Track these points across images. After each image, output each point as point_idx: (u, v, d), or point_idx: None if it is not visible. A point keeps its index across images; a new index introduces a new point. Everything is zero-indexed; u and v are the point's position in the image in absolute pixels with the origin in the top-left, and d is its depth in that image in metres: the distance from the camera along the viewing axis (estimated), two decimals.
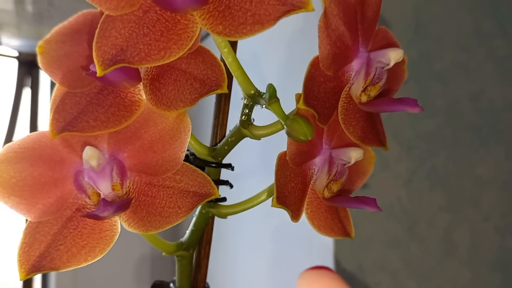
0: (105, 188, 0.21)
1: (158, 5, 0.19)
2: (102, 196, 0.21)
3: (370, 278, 0.47)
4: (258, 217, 0.58)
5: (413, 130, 0.54)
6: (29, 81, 0.55)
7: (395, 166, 0.52)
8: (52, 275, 0.64)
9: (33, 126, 0.57)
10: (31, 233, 0.21)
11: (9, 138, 0.52)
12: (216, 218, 0.27)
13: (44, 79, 0.57)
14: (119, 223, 0.22)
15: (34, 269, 0.21)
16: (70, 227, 0.21)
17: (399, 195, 0.51)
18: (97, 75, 0.19)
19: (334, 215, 0.26)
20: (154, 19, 0.19)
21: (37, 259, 0.21)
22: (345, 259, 0.46)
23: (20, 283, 0.52)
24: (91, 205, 0.21)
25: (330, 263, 0.46)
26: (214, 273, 0.64)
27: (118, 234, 0.22)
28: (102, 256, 0.21)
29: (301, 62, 0.22)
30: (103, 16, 0.19)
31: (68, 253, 0.21)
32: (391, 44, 0.25)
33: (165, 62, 0.19)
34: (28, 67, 0.54)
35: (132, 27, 0.19)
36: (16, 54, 0.54)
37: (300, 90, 0.21)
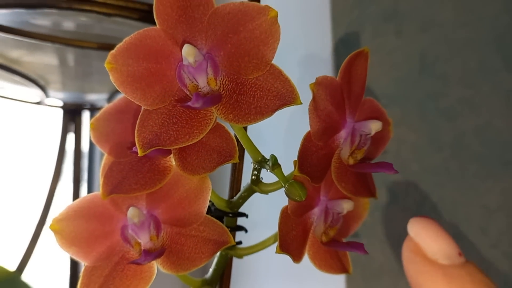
0: (144, 239, 0.27)
1: (185, 109, 0.24)
2: (142, 245, 0.27)
3: None
4: (272, 257, 0.63)
5: (420, 165, 0.58)
6: (72, 127, 0.62)
7: (404, 199, 0.56)
8: None
9: (77, 164, 0.64)
10: (88, 276, 0.27)
11: (56, 176, 0.59)
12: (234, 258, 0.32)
13: (86, 125, 0.64)
14: (156, 266, 0.28)
15: None
16: (117, 270, 0.27)
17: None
18: (138, 155, 0.25)
19: (333, 255, 0.31)
20: (181, 111, 0.25)
21: None
22: (357, 287, 0.51)
23: None
24: (134, 252, 0.27)
25: None
26: None
27: (155, 274, 0.28)
28: None
29: (299, 132, 0.27)
30: (142, 110, 0.25)
31: None
32: (375, 113, 0.30)
33: (189, 144, 0.25)
34: (71, 115, 0.62)
35: (164, 118, 0.25)
36: (61, 104, 0.61)
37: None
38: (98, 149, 0.29)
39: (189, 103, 0.22)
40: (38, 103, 0.59)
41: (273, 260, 0.64)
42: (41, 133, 0.65)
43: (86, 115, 0.63)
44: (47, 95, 0.56)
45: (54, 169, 0.60)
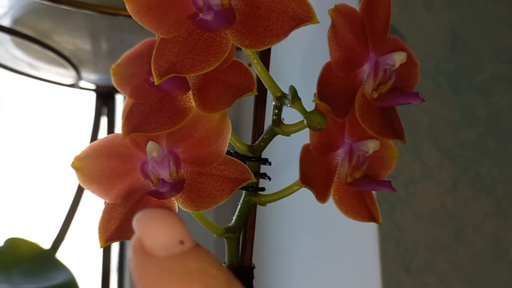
0: (164, 174, 0.26)
1: (198, 28, 0.24)
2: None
3: (417, 280, 0.49)
4: (297, 206, 0.62)
5: (454, 139, 0.56)
6: (105, 110, 0.63)
7: (438, 174, 0.54)
8: (127, 260, 0.71)
9: None
10: (108, 212, 0.27)
11: None
12: (266, 208, 0.32)
13: (119, 108, 0.65)
14: (176, 205, 0.27)
15: (110, 239, 0.26)
16: (138, 207, 0.27)
17: (443, 201, 0.53)
18: (155, 83, 0.25)
19: (360, 202, 0.30)
20: (196, 39, 0.25)
21: (113, 231, 0.26)
22: (391, 261, 0.49)
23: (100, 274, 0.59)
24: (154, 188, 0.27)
25: (376, 264, 0.49)
26: (260, 256, 0.68)
27: (176, 212, 0.27)
28: None
29: (317, 68, 0.26)
30: (158, 39, 0.25)
31: None
32: (398, 49, 0.29)
33: (206, 71, 0.25)
34: (104, 98, 0.63)
35: (180, 46, 0.25)
36: (94, 87, 0.62)
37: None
38: None
39: (201, 15, 0.22)
40: (71, 85, 0.61)
41: (299, 209, 0.62)
42: (74, 116, 0.66)
43: (119, 98, 0.65)
44: (80, 77, 0.57)
45: None
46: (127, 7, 0.24)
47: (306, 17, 0.23)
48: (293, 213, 0.62)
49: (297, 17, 0.23)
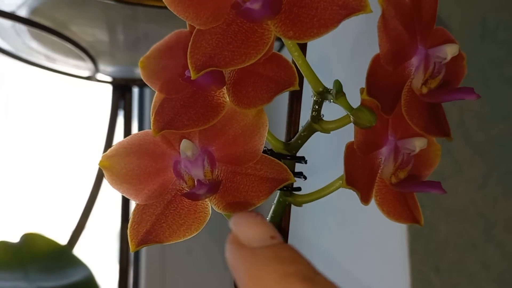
0: (198, 174, 0.25)
1: (240, 17, 0.22)
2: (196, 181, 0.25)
3: (447, 280, 0.48)
4: (332, 208, 0.60)
5: (485, 134, 0.54)
6: (122, 103, 0.61)
7: (468, 170, 0.52)
8: (143, 256, 0.71)
9: None
10: (139, 214, 0.25)
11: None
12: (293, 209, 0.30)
13: (135, 102, 0.64)
14: (210, 206, 0.26)
15: (142, 242, 0.25)
16: (170, 208, 0.25)
17: (473, 198, 0.51)
18: (191, 78, 0.23)
19: (402, 203, 0.28)
20: (236, 30, 0.23)
21: (145, 234, 0.25)
22: (421, 260, 0.47)
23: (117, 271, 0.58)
24: (188, 189, 0.25)
25: (405, 263, 0.47)
26: None
27: (210, 215, 0.26)
28: (197, 232, 0.25)
29: (364, 61, 0.24)
30: (195, 31, 0.23)
31: (169, 230, 0.25)
32: (448, 41, 0.27)
33: (246, 65, 0.23)
34: (121, 91, 0.61)
35: (218, 38, 0.23)
36: (111, 79, 0.61)
37: (363, 85, 0.24)
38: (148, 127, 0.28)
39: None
40: (88, 78, 0.59)
41: (321, 206, 0.60)
42: (91, 110, 0.65)
43: (136, 92, 0.63)
44: (97, 69, 0.55)
45: (104, 146, 0.60)
46: None
47: (358, 6, 0.21)
48: (317, 210, 0.61)
49: (348, 6, 0.21)
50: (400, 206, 0.28)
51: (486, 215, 0.51)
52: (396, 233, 0.49)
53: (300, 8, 0.22)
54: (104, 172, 0.26)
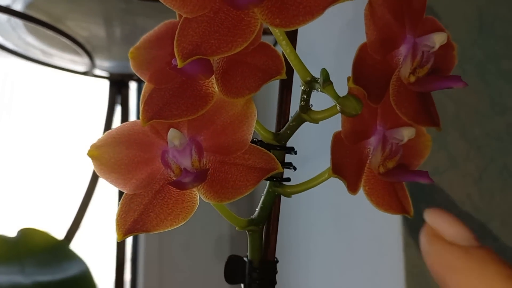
0: (186, 163, 0.25)
1: (226, 5, 0.22)
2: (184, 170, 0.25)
3: None
4: (323, 199, 0.60)
5: (481, 129, 0.53)
6: (119, 98, 0.61)
7: (464, 164, 0.52)
8: (141, 251, 0.71)
9: None
10: (127, 203, 0.25)
11: None
12: (283, 199, 0.30)
13: (133, 96, 0.64)
14: (198, 195, 0.26)
15: (129, 232, 0.25)
16: (158, 198, 0.25)
17: (469, 192, 0.51)
18: (178, 66, 0.23)
19: (392, 193, 0.28)
20: (223, 18, 0.23)
21: (132, 223, 0.25)
22: (415, 254, 0.47)
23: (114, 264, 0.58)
24: (175, 178, 0.25)
25: (400, 257, 0.47)
26: (283, 250, 0.67)
27: (197, 205, 0.26)
28: (184, 222, 0.25)
29: (352, 50, 0.24)
30: (182, 19, 0.23)
31: (157, 219, 0.25)
32: (437, 30, 0.27)
33: (232, 53, 0.23)
34: (118, 86, 0.61)
35: (205, 26, 0.23)
36: (107, 75, 0.61)
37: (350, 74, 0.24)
38: None
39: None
40: (85, 73, 0.59)
41: (315, 200, 0.60)
42: (88, 105, 0.65)
43: (133, 87, 0.63)
44: (94, 64, 0.55)
45: None
46: None
47: None
48: (310, 204, 0.61)
49: None
50: (389, 197, 0.28)
51: (482, 210, 0.51)
52: (391, 227, 0.49)
53: None
54: (92, 161, 0.26)
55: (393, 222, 0.48)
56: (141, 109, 0.26)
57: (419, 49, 0.25)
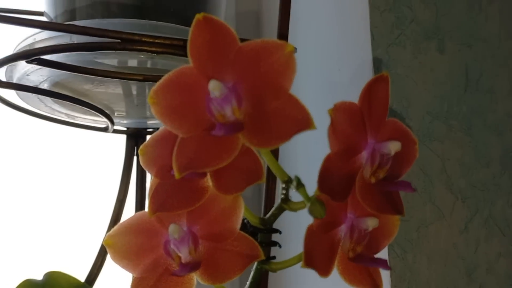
0: (184, 253, 0.30)
1: (215, 135, 0.28)
2: (182, 258, 0.30)
3: None
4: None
5: (467, 181, 0.57)
6: (136, 150, 0.67)
7: (450, 216, 0.56)
8: None
9: (141, 185, 0.69)
10: (136, 286, 0.31)
11: (122, 197, 0.65)
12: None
13: None
14: (195, 278, 0.31)
15: None
16: (162, 280, 0.31)
17: (455, 242, 0.55)
18: (176, 177, 0.28)
19: (363, 270, 0.33)
20: (212, 139, 0.28)
21: None
22: None
23: None
24: (175, 265, 0.30)
25: None
26: None
27: (195, 285, 0.31)
28: None
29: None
30: (179, 139, 0.29)
31: None
32: (398, 133, 0.32)
33: (219, 166, 0.28)
34: (135, 139, 0.67)
35: (197, 145, 0.28)
36: (125, 129, 0.67)
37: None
38: None
39: (213, 132, 0.26)
40: (104, 129, 0.65)
41: (308, 274, 0.64)
42: (107, 157, 0.71)
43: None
44: (113, 123, 0.61)
45: (118, 190, 0.66)
46: (152, 109, 0.28)
47: (305, 124, 0.26)
48: (304, 277, 0.64)
49: (299, 124, 0.26)
50: (361, 274, 0.32)
51: (468, 258, 0.55)
52: None
53: (261, 122, 0.27)
54: (107, 249, 0.31)
55: (381, 272, 0.52)
56: (148, 201, 0.32)
57: (377, 155, 0.30)
